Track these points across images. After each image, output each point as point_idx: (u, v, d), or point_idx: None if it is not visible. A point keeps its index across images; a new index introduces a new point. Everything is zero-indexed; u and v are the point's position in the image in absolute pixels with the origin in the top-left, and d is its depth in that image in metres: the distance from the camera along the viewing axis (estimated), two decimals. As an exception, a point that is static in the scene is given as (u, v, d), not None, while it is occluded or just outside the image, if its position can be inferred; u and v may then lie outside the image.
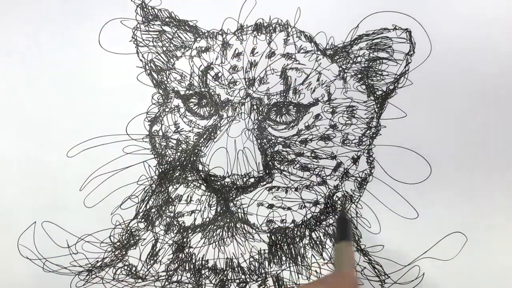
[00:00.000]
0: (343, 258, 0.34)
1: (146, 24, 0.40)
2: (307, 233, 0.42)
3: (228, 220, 0.42)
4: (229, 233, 0.42)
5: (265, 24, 0.39)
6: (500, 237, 0.41)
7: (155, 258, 0.43)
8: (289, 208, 0.41)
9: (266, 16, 0.39)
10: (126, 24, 0.40)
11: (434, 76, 0.39)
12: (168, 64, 0.41)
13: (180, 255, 0.43)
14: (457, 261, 0.41)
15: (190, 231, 0.43)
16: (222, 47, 0.39)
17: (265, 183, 0.41)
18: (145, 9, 0.40)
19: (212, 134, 0.40)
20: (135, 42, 0.40)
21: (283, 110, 0.40)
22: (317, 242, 0.42)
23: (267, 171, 0.40)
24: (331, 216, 0.42)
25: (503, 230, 0.41)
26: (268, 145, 0.40)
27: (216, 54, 0.39)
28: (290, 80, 0.39)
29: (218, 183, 0.40)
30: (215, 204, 0.42)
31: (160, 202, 0.42)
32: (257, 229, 0.42)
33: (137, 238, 0.43)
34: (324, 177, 0.41)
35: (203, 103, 0.40)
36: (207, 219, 0.42)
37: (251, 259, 0.42)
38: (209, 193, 0.41)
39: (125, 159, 0.41)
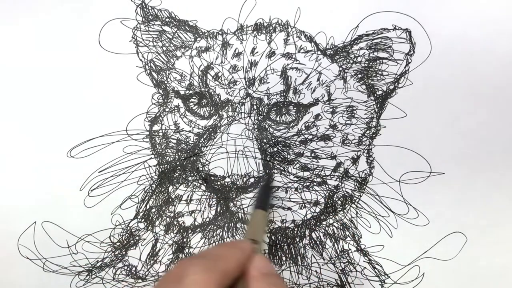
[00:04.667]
0: (254, 226, 0.32)
1: (146, 24, 0.40)
2: (307, 233, 0.42)
3: (228, 220, 0.42)
4: (229, 233, 0.42)
5: (265, 24, 0.39)
6: (500, 237, 0.41)
7: (155, 258, 0.43)
8: (289, 208, 0.41)
9: (266, 16, 0.39)
10: (126, 24, 0.40)
11: (434, 76, 0.39)
12: (168, 64, 0.41)
13: (180, 255, 0.43)
14: (457, 261, 0.41)
15: (190, 231, 0.42)
16: (222, 47, 0.39)
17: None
18: (145, 9, 0.40)
19: (212, 134, 0.40)
20: (135, 42, 0.40)
21: (283, 110, 0.40)
22: (317, 242, 0.42)
23: (267, 171, 0.40)
24: (331, 216, 0.42)
25: (503, 230, 0.41)
26: (268, 145, 0.40)
27: (216, 54, 0.39)
28: (290, 80, 0.39)
29: (218, 183, 0.40)
30: (215, 204, 0.42)
31: (160, 202, 0.42)
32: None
33: (137, 238, 0.43)
34: (324, 177, 0.41)
35: (203, 103, 0.40)
36: (207, 219, 0.42)
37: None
38: (209, 193, 0.41)
39: (125, 159, 0.41)
